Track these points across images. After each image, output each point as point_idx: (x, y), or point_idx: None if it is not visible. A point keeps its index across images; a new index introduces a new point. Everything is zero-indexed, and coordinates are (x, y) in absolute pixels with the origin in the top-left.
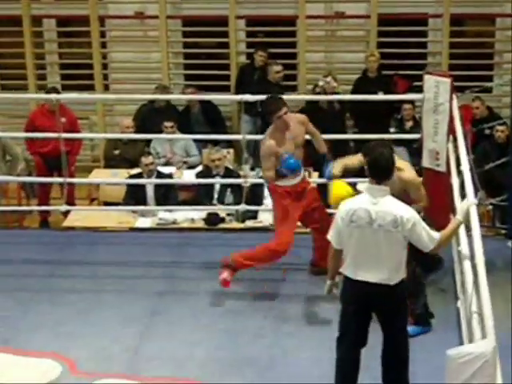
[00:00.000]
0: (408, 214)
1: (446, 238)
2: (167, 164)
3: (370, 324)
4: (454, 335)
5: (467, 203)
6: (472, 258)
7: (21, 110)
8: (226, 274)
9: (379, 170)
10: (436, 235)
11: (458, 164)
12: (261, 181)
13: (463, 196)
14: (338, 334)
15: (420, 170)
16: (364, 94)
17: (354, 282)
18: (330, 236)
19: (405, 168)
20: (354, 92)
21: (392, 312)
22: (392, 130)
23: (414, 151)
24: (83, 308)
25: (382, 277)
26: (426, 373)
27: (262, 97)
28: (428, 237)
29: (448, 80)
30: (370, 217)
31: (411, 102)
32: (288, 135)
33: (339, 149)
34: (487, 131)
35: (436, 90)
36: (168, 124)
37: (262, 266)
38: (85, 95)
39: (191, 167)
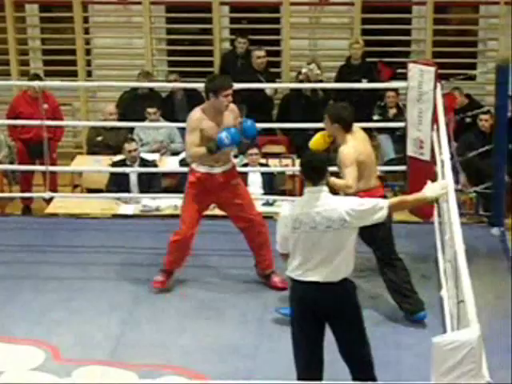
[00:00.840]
0: (349, 204)
1: (400, 203)
2: (152, 151)
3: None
4: (437, 322)
5: (441, 183)
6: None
7: (3, 96)
8: (158, 277)
9: (313, 172)
10: (382, 202)
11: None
12: (244, 169)
13: None
14: (293, 340)
15: (404, 158)
16: (347, 81)
17: (302, 283)
18: (277, 240)
19: (349, 142)
20: (337, 79)
21: (344, 309)
22: (375, 117)
23: (398, 139)
24: (66, 295)
25: (332, 275)
26: (411, 359)
27: (249, 85)
28: (377, 211)
29: (432, 69)
30: (314, 220)
31: (395, 89)
32: (224, 120)
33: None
34: (468, 119)
35: (420, 78)
36: (151, 110)
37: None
38: (68, 83)
39: (175, 154)
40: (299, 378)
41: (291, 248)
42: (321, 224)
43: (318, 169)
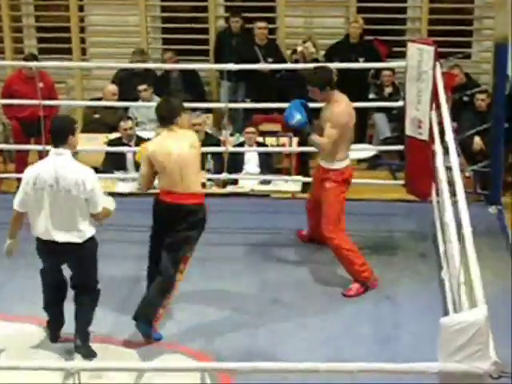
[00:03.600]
0: (89, 177)
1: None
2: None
3: None
4: (437, 301)
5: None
6: (458, 227)
7: None
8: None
9: (53, 135)
10: (102, 206)
11: (441, 132)
12: (240, 149)
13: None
14: None
15: (400, 137)
16: (343, 59)
17: (45, 242)
18: (16, 201)
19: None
20: (328, 55)
21: (79, 267)
22: (371, 95)
23: (393, 117)
24: (65, 273)
25: (70, 236)
26: (410, 339)
27: (244, 66)
28: (99, 202)
29: (432, 48)
30: (55, 180)
31: (391, 68)
32: None
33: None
34: (465, 98)
35: (419, 57)
36: (141, 87)
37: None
38: (65, 63)
39: None
40: None
41: (31, 207)
42: (59, 184)
43: (57, 132)
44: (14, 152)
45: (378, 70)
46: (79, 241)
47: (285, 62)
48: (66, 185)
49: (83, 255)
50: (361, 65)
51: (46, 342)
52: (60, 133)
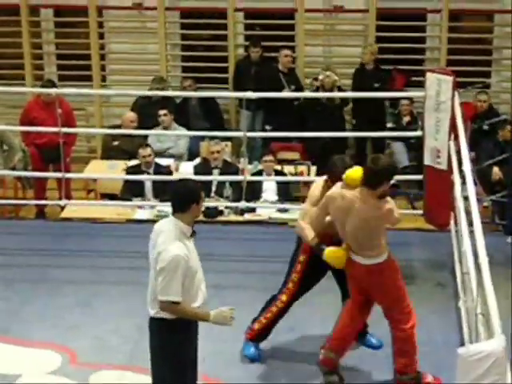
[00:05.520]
0: (166, 254)
1: (182, 312)
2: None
3: None
4: (454, 332)
5: (226, 311)
6: (475, 257)
7: (18, 100)
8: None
9: (175, 200)
10: (170, 297)
11: (460, 162)
12: (258, 177)
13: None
14: None
15: (419, 166)
16: (361, 86)
17: None
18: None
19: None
20: (354, 85)
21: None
22: (389, 125)
23: (412, 146)
24: (82, 299)
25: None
26: (427, 368)
27: (264, 94)
28: (164, 288)
29: (450, 78)
30: (155, 241)
31: (409, 97)
32: None
33: (338, 144)
34: (485, 127)
35: (438, 87)
36: (162, 112)
37: None
38: (84, 90)
39: (190, 159)
40: None
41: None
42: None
43: (179, 198)
44: (33, 179)
45: (396, 99)
46: (153, 314)
47: (302, 90)
48: (154, 253)
49: (156, 341)
50: (379, 94)
51: (62, 368)
52: (183, 199)
